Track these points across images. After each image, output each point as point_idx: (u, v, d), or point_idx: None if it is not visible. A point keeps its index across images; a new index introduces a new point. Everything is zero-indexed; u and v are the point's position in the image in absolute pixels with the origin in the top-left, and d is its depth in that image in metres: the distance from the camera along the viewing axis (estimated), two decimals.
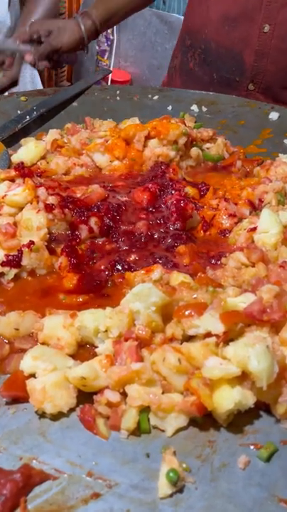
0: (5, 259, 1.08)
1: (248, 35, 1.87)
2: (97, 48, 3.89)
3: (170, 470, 0.72)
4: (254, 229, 1.17)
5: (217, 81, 1.97)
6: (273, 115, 1.79)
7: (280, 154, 1.56)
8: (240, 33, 1.88)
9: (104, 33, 3.76)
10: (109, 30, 3.77)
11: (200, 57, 2.03)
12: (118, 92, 1.93)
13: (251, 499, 0.71)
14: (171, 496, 0.71)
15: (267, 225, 1.15)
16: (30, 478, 0.70)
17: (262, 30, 1.84)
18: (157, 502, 0.70)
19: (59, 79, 4.14)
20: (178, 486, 0.71)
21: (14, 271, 1.09)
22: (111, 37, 3.83)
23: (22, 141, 1.57)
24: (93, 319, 0.93)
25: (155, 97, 1.91)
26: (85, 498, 0.70)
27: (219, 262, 1.14)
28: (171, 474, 0.71)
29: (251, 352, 0.81)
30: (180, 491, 0.71)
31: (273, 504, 0.70)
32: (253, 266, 1.07)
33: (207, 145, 1.61)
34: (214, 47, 1.95)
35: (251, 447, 0.78)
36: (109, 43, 3.84)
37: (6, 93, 1.86)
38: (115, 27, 3.73)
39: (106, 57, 3.86)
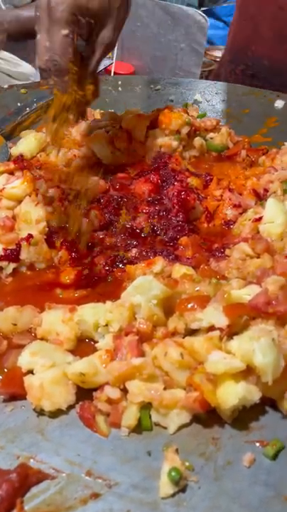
0: (3, 253, 1.06)
1: None
2: None
3: (172, 469, 0.69)
4: (259, 219, 1.13)
5: None
6: (279, 103, 1.75)
7: (285, 143, 1.52)
8: None
9: None
10: None
11: (245, 72, 1.99)
12: (120, 82, 1.90)
13: (257, 498, 0.68)
14: (173, 495, 0.68)
15: (272, 215, 1.11)
16: (27, 478, 0.68)
17: None
18: (158, 502, 0.67)
19: None
20: (180, 485, 0.69)
21: (13, 265, 1.07)
22: None
23: (22, 133, 1.55)
24: (93, 313, 0.91)
25: (158, 87, 1.87)
26: (84, 498, 0.67)
27: (223, 254, 1.10)
28: (173, 473, 0.68)
29: (256, 345, 0.78)
30: (183, 490, 0.69)
31: (280, 503, 0.67)
32: (258, 257, 1.03)
33: (211, 135, 1.57)
34: (266, 64, 1.92)
35: (257, 444, 0.75)
36: None
37: (6, 85, 1.83)
38: None
39: None
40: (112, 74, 2.78)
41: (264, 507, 0.67)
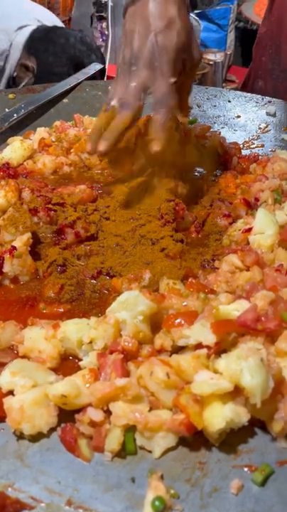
0: None
1: None
2: None
3: (155, 498, 0.66)
4: (249, 230, 1.11)
5: None
6: (271, 109, 1.73)
7: (277, 150, 1.50)
8: None
9: (99, 29, 3.69)
10: (104, 25, 3.71)
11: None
12: (109, 87, 1.86)
13: None
14: None
15: (263, 226, 1.08)
16: (4, 509, 0.64)
17: None
18: None
19: None
20: None
21: None
22: (107, 32, 3.76)
23: (9, 140, 1.51)
24: (76, 330, 0.87)
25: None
26: None
27: (212, 266, 1.08)
28: (157, 503, 0.65)
29: (244, 365, 0.75)
30: None
31: None
32: (247, 270, 1.00)
33: (202, 141, 1.54)
34: None
35: (245, 469, 0.72)
36: (104, 38, 3.77)
37: None
38: (110, 22, 3.67)
39: None
40: (105, 78, 2.74)
41: None
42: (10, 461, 0.72)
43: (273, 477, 0.71)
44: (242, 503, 0.68)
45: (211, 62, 3.93)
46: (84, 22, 3.85)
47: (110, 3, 3.67)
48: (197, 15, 4.25)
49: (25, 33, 2.36)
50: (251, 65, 2.10)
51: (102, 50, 3.80)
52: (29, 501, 0.67)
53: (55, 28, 2.49)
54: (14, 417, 0.75)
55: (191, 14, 3.79)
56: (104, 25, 3.73)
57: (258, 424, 0.77)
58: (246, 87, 2.11)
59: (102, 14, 3.68)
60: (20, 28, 2.36)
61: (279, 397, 0.77)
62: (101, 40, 3.78)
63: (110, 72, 3.68)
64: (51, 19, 2.62)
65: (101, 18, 3.69)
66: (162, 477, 0.70)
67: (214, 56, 3.93)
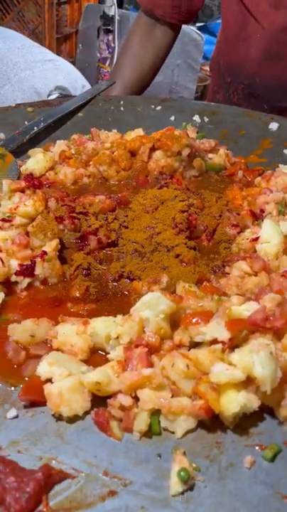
0: (19, 269, 1.13)
1: None
2: (99, 55, 3.95)
3: (181, 469, 0.77)
4: (256, 239, 1.22)
5: (268, 111, 2.01)
6: (273, 125, 1.85)
7: (280, 165, 1.61)
8: (285, 63, 1.94)
9: (105, 41, 3.82)
10: (111, 38, 3.84)
11: (244, 92, 2.11)
12: (122, 102, 1.98)
13: (257, 496, 0.76)
14: (182, 493, 0.76)
15: (268, 236, 1.20)
16: (50, 477, 0.75)
17: None
18: (169, 499, 0.75)
19: None
20: (189, 484, 0.76)
21: (27, 280, 1.14)
22: (113, 44, 3.89)
23: (30, 151, 1.62)
24: (105, 326, 0.98)
25: (158, 108, 1.96)
26: (102, 495, 0.75)
27: (223, 271, 1.19)
28: (182, 473, 0.76)
29: (256, 358, 0.86)
30: (191, 488, 0.76)
31: (277, 501, 0.75)
32: (255, 275, 1.12)
33: (210, 155, 1.66)
34: (259, 82, 2.03)
35: (256, 448, 0.83)
36: (110, 50, 3.90)
37: (14, 104, 1.91)
38: (116, 35, 3.80)
39: (107, 64, 3.92)
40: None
41: (263, 504, 0.75)
42: (51, 439, 0.83)
43: (280, 455, 0.82)
44: (255, 476, 0.79)
45: None
46: (91, 34, 3.97)
47: (117, 17, 3.80)
48: (199, 28, 4.39)
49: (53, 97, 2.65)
50: (210, 82, 2.32)
51: (108, 62, 3.93)
52: (71, 472, 0.78)
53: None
54: (54, 401, 0.86)
55: (193, 28, 3.93)
56: (110, 37, 3.85)
57: (267, 410, 0.88)
58: (209, 100, 2.38)
59: (109, 27, 3.81)
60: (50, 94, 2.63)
61: (286, 386, 0.88)
62: (107, 52, 3.91)
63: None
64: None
65: (107, 31, 3.82)
66: (184, 453, 0.81)
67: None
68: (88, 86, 2.93)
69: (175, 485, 0.76)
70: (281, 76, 2.00)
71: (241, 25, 2.03)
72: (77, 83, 2.89)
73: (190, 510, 0.74)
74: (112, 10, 3.80)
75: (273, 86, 2.02)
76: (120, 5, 4.06)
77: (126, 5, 4.66)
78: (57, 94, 2.68)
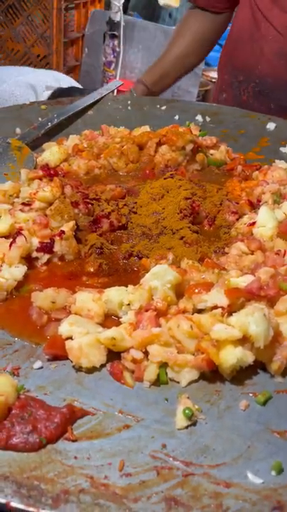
0: (39, 246, 1.26)
1: None
2: (104, 59, 4.10)
3: (185, 408, 0.89)
4: (253, 224, 1.35)
5: (274, 110, 2.16)
6: (270, 125, 1.99)
7: (276, 160, 1.75)
8: None
9: (111, 46, 3.97)
10: (116, 43, 3.99)
11: (254, 90, 2.24)
12: (129, 102, 2.12)
13: (250, 431, 0.88)
14: (187, 427, 0.88)
15: (264, 220, 1.33)
16: (73, 413, 0.87)
17: None
18: (175, 432, 0.87)
19: None
20: (192, 420, 0.89)
21: (47, 256, 1.26)
22: (118, 49, 4.04)
23: (44, 145, 1.75)
24: (118, 294, 1.11)
25: (163, 108, 2.10)
26: (119, 428, 0.87)
27: (223, 251, 1.32)
28: (187, 411, 0.89)
29: (251, 319, 0.98)
30: (194, 424, 0.89)
31: (268, 434, 0.88)
32: (252, 254, 1.24)
33: (211, 151, 1.79)
34: (270, 81, 2.16)
35: (251, 395, 0.96)
36: (115, 54, 4.04)
37: (28, 102, 2.04)
38: (121, 40, 3.94)
39: (112, 68, 4.07)
40: (115, 92, 3.00)
41: (255, 436, 0.87)
42: (73, 385, 0.95)
43: (271, 401, 0.95)
44: (249, 416, 0.91)
45: (213, 80, 4.21)
46: (97, 39, 4.12)
47: (122, 23, 3.95)
48: None
49: (49, 92, 2.78)
50: (216, 81, 2.47)
51: (113, 66, 4.07)
52: (91, 410, 0.90)
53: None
54: (75, 354, 0.98)
55: None
56: (115, 42, 4.01)
57: (260, 365, 1.01)
58: (214, 99, 2.50)
59: (114, 33, 3.96)
60: (47, 88, 2.82)
61: (277, 345, 1.01)
62: (112, 56, 4.05)
63: (121, 87, 3.95)
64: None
65: (113, 36, 3.97)
66: (188, 398, 0.94)
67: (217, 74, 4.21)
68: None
69: (180, 420, 0.89)
70: None
71: (255, 27, 2.15)
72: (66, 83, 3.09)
73: (193, 440, 0.86)
74: (118, 16, 3.95)
75: (284, 85, 2.14)
76: (124, 11, 4.21)
77: (130, 11, 4.81)
78: (54, 88, 2.83)
